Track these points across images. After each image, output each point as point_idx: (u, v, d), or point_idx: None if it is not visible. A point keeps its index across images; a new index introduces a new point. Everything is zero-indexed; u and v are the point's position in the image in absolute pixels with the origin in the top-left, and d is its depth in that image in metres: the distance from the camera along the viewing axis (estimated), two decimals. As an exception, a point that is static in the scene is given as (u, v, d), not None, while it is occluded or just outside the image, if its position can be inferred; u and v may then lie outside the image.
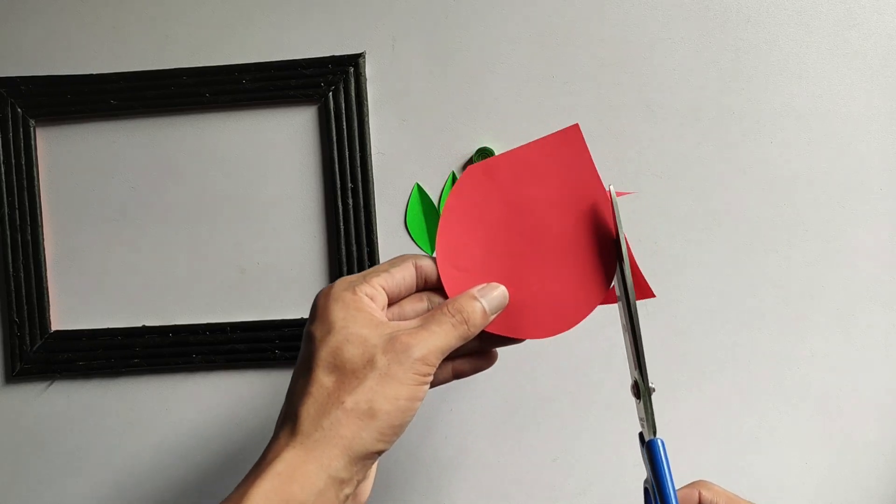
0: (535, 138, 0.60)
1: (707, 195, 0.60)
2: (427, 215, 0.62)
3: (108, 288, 0.63)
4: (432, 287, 0.43)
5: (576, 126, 0.40)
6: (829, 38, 0.59)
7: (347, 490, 0.37)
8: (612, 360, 0.61)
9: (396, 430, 0.37)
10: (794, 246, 0.60)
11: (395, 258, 0.43)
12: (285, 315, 0.62)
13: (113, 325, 0.63)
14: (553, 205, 0.40)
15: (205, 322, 0.63)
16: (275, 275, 0.63)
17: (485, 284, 0.41)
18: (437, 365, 0.38)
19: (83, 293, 0.64)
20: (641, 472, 0.61)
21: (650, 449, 0.38)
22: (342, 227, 0.62)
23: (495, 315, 0.41)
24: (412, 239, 0.62)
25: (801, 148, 0.60)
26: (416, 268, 0.42)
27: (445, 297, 0.41)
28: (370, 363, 0.37)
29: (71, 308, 0.64)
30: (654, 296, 0.41)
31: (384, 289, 0.40)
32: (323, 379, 0.37)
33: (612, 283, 0.41)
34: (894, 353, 0.60)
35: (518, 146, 0.42)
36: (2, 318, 0.64)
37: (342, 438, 0.36)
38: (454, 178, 0.61)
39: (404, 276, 0.42)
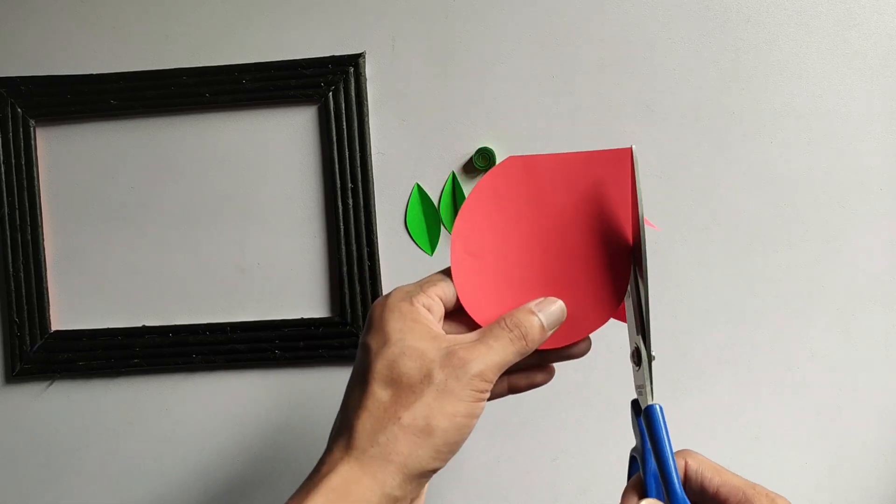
0: (535, 138, 0.61)
1: (707, 195, 0.60)
2: (427, 215, 0.62)
3: (108, 288, 0.63)
4: None
5: (629, 149, 0.40)
6: (829, 38, 0.59)
7: None
8: (613, 360, 0.61)
9: (452, 448, 0.36)
10: (794, 246, 0.60)
11: (449, 268, 0.42)
12: (285, 315, 0.62)
13: (113, 325, 0.63)
14: (580, 215, 0.40)
15: (205, 322, 0.63)
16: (275, 275, 0.63)
17: (542, 298, 0.40)
18: (495, 381, 0.37)
19: (83, 293, 0.64)
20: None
21: (649, 414, 0.37)
22: (342, 227, 0.62)
23: (553, 330, 0.40)
24: (412, 239, 0.62)
25: (801, 148, 0.60)
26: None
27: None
28: (427, 378, 0.36)
29: (71, 308, 0.64)
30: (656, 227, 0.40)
31: (441, 299, 0.39)
32: (379, 392, 0.36)
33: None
34: (894, 353, 0.60)
35: (565, 152, 0.41)
36: (2, 318, 0.64)
37: (398, 455, 0.35)
38: (454, 178, 0.61)
39: None
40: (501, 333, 0.38)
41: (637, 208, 0.38)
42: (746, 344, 0.60)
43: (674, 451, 0.37)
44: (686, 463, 0.38)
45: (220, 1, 0.62)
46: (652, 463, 0.37)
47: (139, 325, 0.63)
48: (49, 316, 0.63)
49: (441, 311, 0.39)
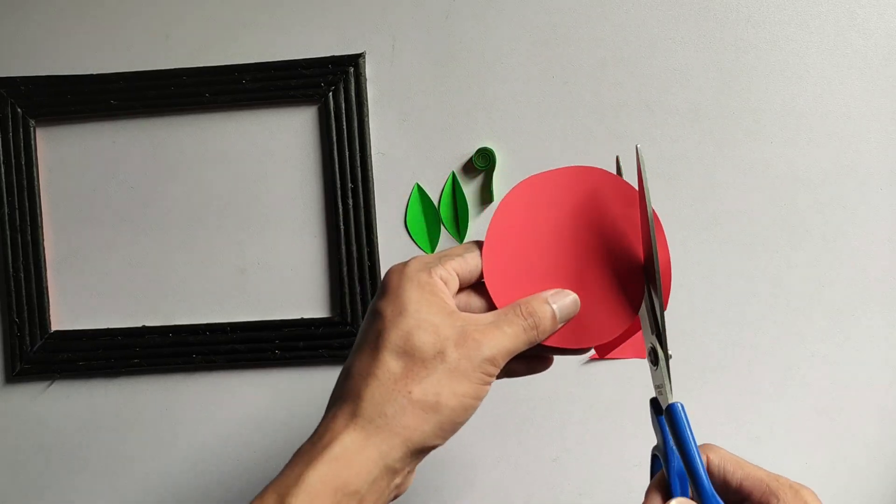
0: (535, 138, 0.61)
1: (707, 195, 0.60)
2: (427, 215, 0.62)
3: (108, 288, 0.63)
4: None
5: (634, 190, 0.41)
6: (829, 38, 0.59)
7: (397, 480, 0.36)
8: (613, 360, 0.61)
9: (455, 428, 0.37)
10: (795, 246, 0.60)
11: (467, 243, 0.41)
12: (285, 315, 0.62)
13: (113, 325, 0.63)
14: (601, 230, 0.40)
15: (205, 322, 0.63)
16: (275, 275, 0.63)
17: (557, 290, 0.40)
18: (503, 365, 0.38)
19: (83, 293, 0.64)
20: (641, 472, 0.61)
21: (671, 413, 0.37)
22: (342, 227, 0.62)
23: (564, 323, 0.40)
24: (412, 239, 0.62)
25: (801, 148, 0.60)
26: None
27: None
28: (441, 355, 0.36)
29: (71, 308, 0.64)
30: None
31: (457, 274, 0.39)
32: (390, 362, 0.36)
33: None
34: (894, 353, 0.60)
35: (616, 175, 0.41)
36: (2, 318, 0.64)
37: (404, 429, 0.35)
38: (454, 178, 0.61)
39: (477, 264, 0.40)
40: (516, 320, 0.38)
41: (646, 218, 0.39)
42: (747, 344, 0.60)
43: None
44: (708, 458, 0.38)
45: (220, 1, 0.62)
46: (675, 461, 0.37)
47: (139, 325, 0.63)
48: (49, 316, 0.63)
49: (456, 285, 0.39)
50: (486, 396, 0.63)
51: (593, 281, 0.40)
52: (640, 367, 0.60)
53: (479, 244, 0.41)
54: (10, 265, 0.63)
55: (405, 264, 0.39)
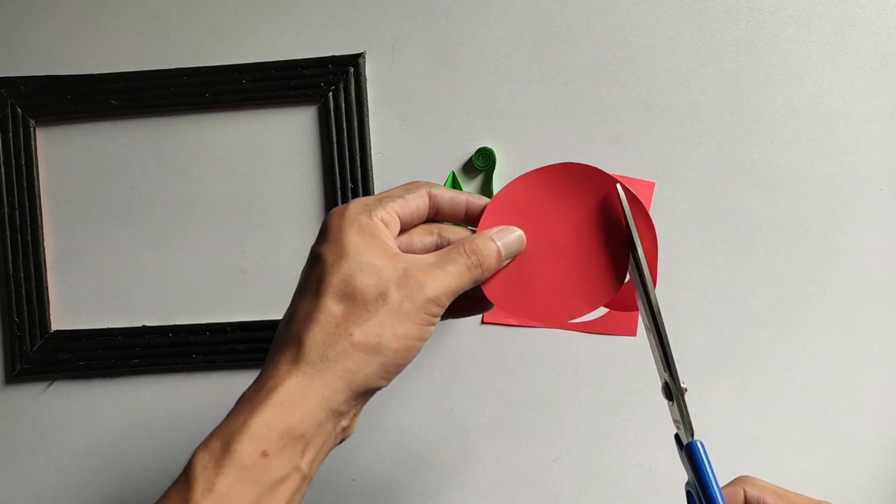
0: (535, 138, 0.61)
1: (707, 195, 0.60)
2: (427, 215, 0.62)
3: (108, 288, 0.63)
4: (442, 218, 0.42)
5: (652, 184, 0.41)
6: (829, 38, 0.59)
7: (344, 423, 0.36)
8: (613, 359, 0.61)
9: (398, 369, 0.36)
10: (795, 246, 0.60)
11: (408, 184, 0.41)
12: (285, 315, 0.62)
13: (113, 325, 0.63)
14: (593, 220, 0.41)
15: (205, 322, 0.63)
16: (275, 275, 0.63)
17: (502, 227, 0.40)
18: (447, 305, 0.37)
19: (83, 293, 0.64)
20: (642, 473, 0.61)
21: (690, 452, 0.37)
22: (342, 227, 0.61)
23: (509, 260, 0.40)
24: (412, 239, 0.62)
25: (802, 148, 0.60)
26: (430, 196, 0.41)
27: (454, 233, 0.41)
28: (382, 296, 0.35)
29: (71, 308, 0.64)
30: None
31: (398, 215, 0.39)
32: (332, 306, 0.35)
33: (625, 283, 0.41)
34: (894, 353, 0.60)
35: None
36: (2, 318, 0.64)
37: (346, 371, 0.35)
38: (454, 178, 0.61)
39: (418, 205, 0.40)
40: (459, 259, 0.38)
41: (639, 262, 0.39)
42: (746, 344, 0.60)
43: (720, 484, 0.36)
44: (745, 492, 0.37)
45: (220, 1, 0.62)
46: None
47: (139, 325, 0.63)
48: (49, 316, 0.63)
49: (398, 227, 0.39)
50: (487, 396, 0.64)
51: (578, 257, 0.40)
52: (640, 367, 0.61)
53: (423, 183, 0.41)
54: (10, 265, 0.63)
55: (345, 207, 0.38)
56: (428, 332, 0.37)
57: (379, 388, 0.36)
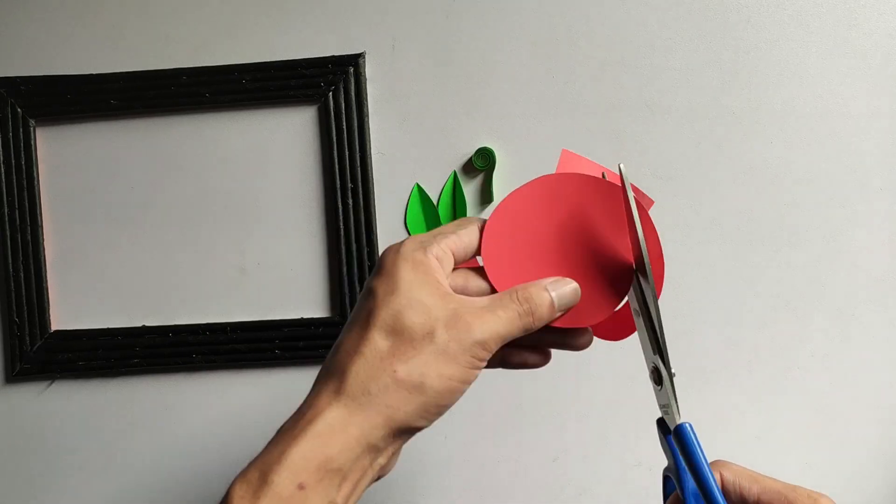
0: (535, 138, 0.61)
1: (707, 195, 0.60)
2: (427, 215, 0.62)
3: (108, 288, 0.63)
4: None
5: (650, 202, 0.42)
6: (829, 38, 0.59)
7: (381, 460, 0.36)
8: (612, 359, 0.61)
9: (440, 410, 0.36)
10: (795, 246, 0.60)
11: (461, 220, 0.41)
12: (285, 315, 0.62)
13: (113, 325, 0.63)
14: (593, 225, 0.41)
15: (205, 322, 0.63)
16: (275, 275, 0.63)
17: (557, 278, 0.39)
18: (494, 351, 0.37)
19: (83, 293, 0.64)
20: (642, 472, 0.61)
21: (680, 434, 0.36)
22: (342, 227, 0.62)
23: (563, 312, 0.39)
24: (412, 239, 0.62)
25: (801, 148, 0.60)
26: (482, 231, 0.41)
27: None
28: (429, 336, 0.35)
29: (71, 308, 0.64)
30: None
31: (452, 252, 0.39)
32: (378, 341, 0.35)
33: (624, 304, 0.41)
34: (894, 353, 0.60)
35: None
36: (2, 318, 0.64)
37: (387, 408, 0.34)
38: (455, 178, 0.61)
39: (471, 240, 0.40)
40: (511, 305, 0.37)
41: (634, 228, 0.39)
42: (747, 344, 0.60)
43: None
44: (722, 475, 0.37)
45: (220, 1, 0.62)
46: (689, 482, 0.36)
47: (139, 325, 0.63)
48: (49, 316, 0.63)
49: (451, 264, 0.39)
50: (486, 396, 0.64)
51: (586, 269, 0.40)
52: (640, 367, 0.60)
53: (475, 219, 0.41)
54: (10, 265, 0.63)
55: (401, 243, 0.38)
56: (473, 375, 0.36)
57: (419, 429, 0.36)
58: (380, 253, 0.61)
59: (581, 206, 0.41)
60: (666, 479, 0.40)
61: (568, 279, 0.40)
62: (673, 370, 0.38)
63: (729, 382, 0.60)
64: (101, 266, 0.64)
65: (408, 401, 0.35)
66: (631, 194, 0.39)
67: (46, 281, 0.63)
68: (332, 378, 0.36)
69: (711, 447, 0.38)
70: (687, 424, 0.37)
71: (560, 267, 0.41)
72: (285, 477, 0.33)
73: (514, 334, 0.37)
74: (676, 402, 0.38)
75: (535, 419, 0.61)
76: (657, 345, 0.38)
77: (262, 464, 0.34)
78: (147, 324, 0.63)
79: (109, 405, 0.64)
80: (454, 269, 0.40)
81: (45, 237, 0.63)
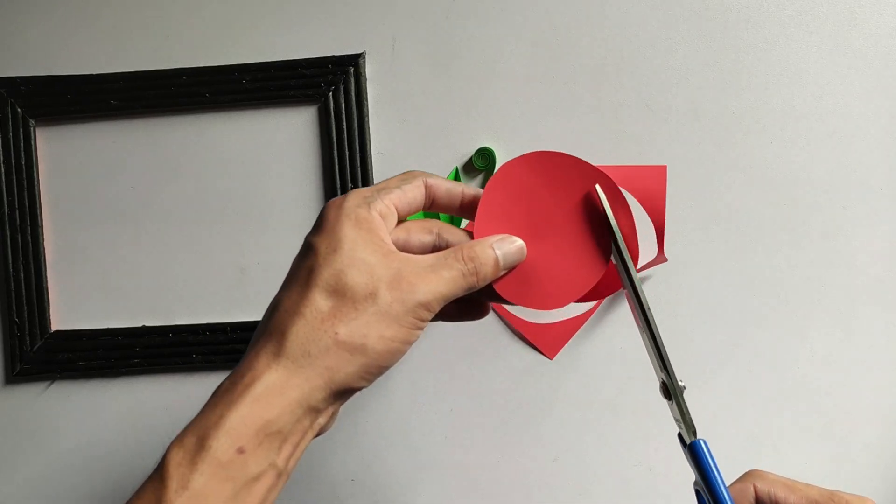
0: (535, 138, 0.61)
1: (707, 195, 0.60)
2: (427, 215, 0.62)
3: (108, 288, 0.63)
4: (438, 208, 0.41)
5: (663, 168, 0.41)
6: (829, 38, 0.59)
7: (321, 420, 0.35)
8: (612, 359, 0.61)
9: (381, 371, 0.35)
10: (795, 246, 0.60)
11: (404, 173, 0.40)
12: (285, 315, 0.62)
13: (113, 325, 0.63)
14: (581, 209, 0.41)
15: (205, 322, 0.63)
16: (275, 275, 0.63)
17: (503, 235, 0.39)
18: (437, 311, 0.36)
19: (83, 293, 0.64)
20: (642, 472, 0.61)
21: (694, 452, 0.36)
22: (342, 227, 0.61)
23: (507, 270, 0.39)
24: (412, 239, 0.62)
25: (801, 148, 0.60)
26: (427, 186, 0.40)
27: (453, 234, 0.40)
28: (372, 296, 0.34)
29: (71, 308, 0.64)
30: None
31: (396, 207, 0.38)
32: (319, 301, 0.35)
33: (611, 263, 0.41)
34: (894, 353, 0.60)
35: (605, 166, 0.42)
36: (2, 318, 0.64)
37: (327, 370, 0.34)
38: (457, 173, 0.61)
39: (415, 195, 0.39)
40: (455, 265, 0.37)
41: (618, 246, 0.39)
42: (746, 344, 0.60)
43: (729, 481, 0.35)
44: (755, 487, 0.36)
45: (220, 1, 0.62)
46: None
47: (139, 325, 0.63)
48: (49, 316, 0.63)
49: (395, 219, 0.38)
50: (487, 396, 0.64)
51: (567, 243, 0.40)
52: (640, 367, 0.61)
53: (419, 173, 0.40)
54: (10, 265, 0.63)
55: (344, 198, 0.37)
56: (415, 335, 0.36)
57: (359, 389, 0.36)
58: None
59: (567, 185, 0.41)
60: (697, 493, 0.39)
61: (514, 237, 0.39)
62: (683, 383, 0.37)
63: (729, 382, 0.60)
64: (101, 266, 0.64)
65: (349, 362, 0.34)
66: (609, 212, 0.39)
67: (46, 281, 0.63)
68: (270, 339, 0.35)
69: (711, 447, 0.38)
70: (700, 441, 0.36)
71: (533, 238, 0.40)
72: (224, 441, 0.32)
73: (458, 294, 0.37)
74: (689, 417, 0.37)
75: (535, 419, 0.61)
76: (661, 360, 0.38)
77: (200, 428, 0.33)
78: (147, 324, 0.63)
79: (109, 405, 0.64)
80: (398, 224, 0.39)
81: (45, 237, 0.63)
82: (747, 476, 0.37)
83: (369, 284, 0.35)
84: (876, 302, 0.60)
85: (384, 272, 0.35)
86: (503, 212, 0.41)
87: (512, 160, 0.41)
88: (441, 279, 0.36)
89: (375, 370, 0.35)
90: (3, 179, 0.63)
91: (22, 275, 0.63)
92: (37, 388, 0.64)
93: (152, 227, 0.63)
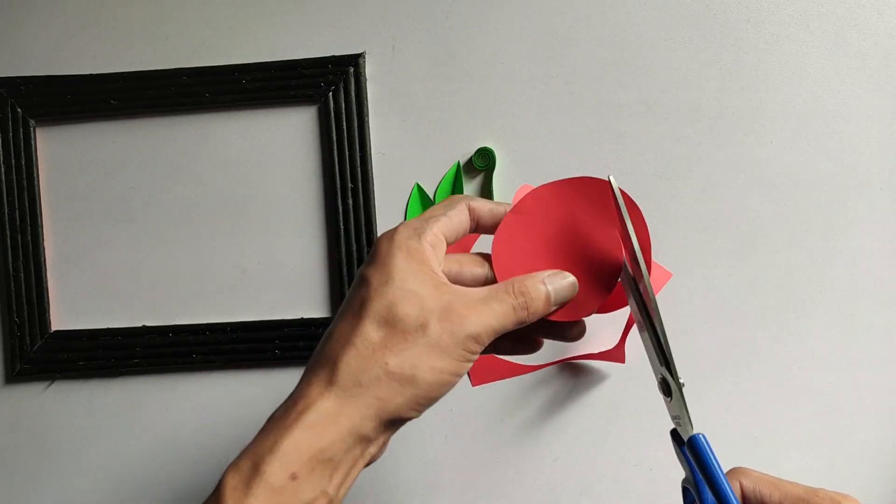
0: (535, 138, 0.61)
1: (707, 195, 0.60)
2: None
3: (108, 288, 0.63)
4: (483, 230, 0.42)
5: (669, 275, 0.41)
6: (829, 38, 0.59)
7: (372, 450, 0.36)
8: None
9: (430, 402, 0.36)
10: (795, 246, 0.60)
11: (448, 199, 0.41)
12: (286, 315, 0.62)
13: (113, 325, 0.63)
14: (593, 231, 0.41)
15: (205, 322, 0.63)
16: (275, 275, 0.63)
17: (555, 271, 0.39)
18: (487, 344, 0.37)
19: (83, 293, 0.64)
20: (642, 472, 0.61)
21: (694, 445, 0.36)
22: (342, 227, 0.62)
23: (559, 307, 0.39)
24: (412, 239, 0.62)
25: (802, 148, 0.60)
26: (470, 209, 0.40)
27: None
28: (422, 328, 0.35)
29: (71, 308, 0.64)
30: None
31: (444, 235, 0.39)
32: (370, 332, 0.35)
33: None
34: (894, 353, 0.60)
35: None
36: (2, 318, 0.64)
37: (378, 400, 0.34)
38: (458, 168, 0.61)
39: (461, 220, 0.40)
40: (506, 298, 0.37)
41: (627, 235, 0.39)
42: (746, 344, 0.60)
43: (725, 475, 0.35)
44: (741, 484, 0.37)
45: (220, 1, 0.62)
46: (708, 494, 0.36)
47: (139, 325, 0.63)
48: (49, 316, 0.63)
49: (444, 248, 0.39)
50: (487, 396, 0.64)
51: (579, 264, 0.41)
52: (640, 367, 0.61)
53: (462, 197, 0.41)
54: (10, 265, 0.63)
55: (395, 230, 0.38)
56: (464, 367, 0.36)
57: (410, 419, 0.36)
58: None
59: (578, 205, 0.41)
60: (685, 490, 0.39)
61: (565, 273, 0.39)
62: (682, 380, 0.37)
63: (728, 382, 0.60)
64: (101, 266, 0.64)
65: (399, 393, 0.35)
66: (621, 202, 0.39)
67: (46, 281, 0.63)
68: (323, 368, 0.36)
69: (713, 448, 0.38)
70: (700, 435, 0.36)
71: (556, 261, 0.41)
72: (277, 467, 0.33)
73: (508, 328, 0.37)
74: (688, 412, 0.37)
75: (535, 420, 0.61)
76: (663, 356, 0.38)
77: (254, 454, 0.34)
78: (147, 324, 0.63)
79: (109, 405, 0.64)
80: (447, 253, 0.40)
81: (45, 237, 0.63)
82: (733, 473, 0.37)
83: (420, 316, 0.35)
84: (876, 302, 0.60)
85: (435, 304, 0.36)
86: (518, 248, 0.41)
87: (538, 188, 0.42)
88: (492, 312, 0.36)
89: (425, 401, 0.36)
90: (3, 179, 0.63)
91: (22, 275, 0.63)
92: (37, 388, 0.64)
93: (152, 227, 0.63)
